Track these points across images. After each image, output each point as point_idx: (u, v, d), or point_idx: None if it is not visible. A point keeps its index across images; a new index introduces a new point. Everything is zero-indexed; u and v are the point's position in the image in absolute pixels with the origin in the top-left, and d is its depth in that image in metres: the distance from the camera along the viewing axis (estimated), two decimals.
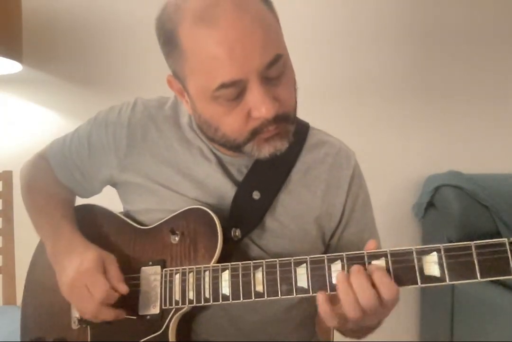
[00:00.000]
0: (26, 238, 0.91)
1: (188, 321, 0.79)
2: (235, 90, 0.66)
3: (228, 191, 0.81)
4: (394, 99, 2.02)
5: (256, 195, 0.80)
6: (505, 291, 1.57)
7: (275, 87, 0.69)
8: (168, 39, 0.70)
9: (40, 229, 0.89)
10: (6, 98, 1.75)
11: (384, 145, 2.01)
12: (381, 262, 0.63)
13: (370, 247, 0.65)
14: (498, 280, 1.60)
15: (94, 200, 0.96)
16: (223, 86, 0.66)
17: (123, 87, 1.79)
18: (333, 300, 0.65)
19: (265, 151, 0.73)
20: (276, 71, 0.68)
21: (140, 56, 1.77)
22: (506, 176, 1.97)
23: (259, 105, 0.66)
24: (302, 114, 0.94)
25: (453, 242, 0.61)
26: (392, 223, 1.99)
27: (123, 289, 0.76)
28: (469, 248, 0.59)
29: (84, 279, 0.75)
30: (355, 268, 0.63)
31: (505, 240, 0.58)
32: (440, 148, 2.05)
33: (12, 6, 1.50)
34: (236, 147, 0.74)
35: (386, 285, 0.61)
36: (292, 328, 0.87)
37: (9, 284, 1.40)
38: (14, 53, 1.50)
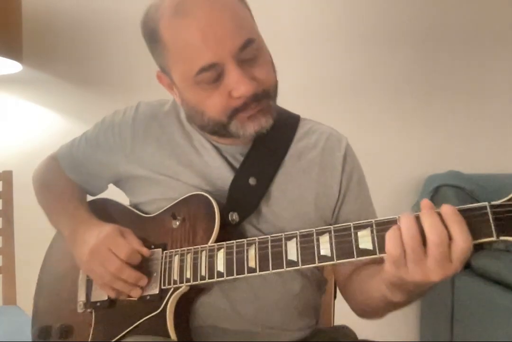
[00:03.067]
0: (26, 238, 0.92)
1: (187, 303, 0.81)
2: (214, 73, 0.73)
3: (227, 177, 0.85)
4: (394, 99, 2.02)
5: (252, 181, 0.84)
6: (505, 291, 1.57)
7: (251, 68, 0.75)
8: (152, 37, 0.78)
9: (56, 220, 0.94)
10: (6, 98, 1.75)
11: (384, 145, 2.01)
12: (366, 232, 0.64)
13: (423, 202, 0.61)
14: (498, 280, 1.60)
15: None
16: (203, 70, 0.72)
17: (123, 87, 1.79)
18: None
19: (250, 129, 0.77)
20: (250, 54, 0.74)
21: (140, 56, 1.77)
22: (506, 176, 1.97)
23: (237, 85, 0.72)
24: (302, 114, 0.94)
25: None
26: None
27: (145, 251, 0.81)
28: (484, 208, 0.59)
29: (106, 243, 0.79)
30: (428, 209, 0.59)
31: (485, 203, 0.59)
32: (440, 148, 2.05)
33: (12, 6, 1.50)
34: (223, 129, 0.79)
35: (459, 225, 0.57)
36: (294, 316, 0.87)
37: (9, 284, 1.39)
38: (14, 53, 1.50)
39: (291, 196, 0.85)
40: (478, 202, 1.91)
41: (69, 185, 0.99)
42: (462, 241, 0.57)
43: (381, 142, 2.00)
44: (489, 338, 1.57)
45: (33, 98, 1.77)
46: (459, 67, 2.06)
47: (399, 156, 2.02)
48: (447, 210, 0.58)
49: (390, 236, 0.60)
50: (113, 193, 0.99)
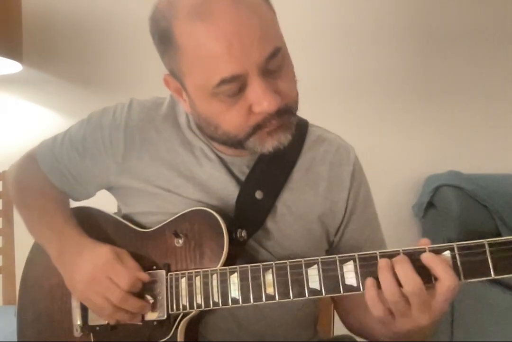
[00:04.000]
0: (26, 238, 0.91)
1: (194, 324, 0.78)
2: (236, 86, 0.65)
3: (231, 191, 0.80)
4: (394, 99, 2.02)
5: (259, 195, 0.79)
6: (505, 291, 1.57)
7: (275, 80, 0.67)
8: (163, 37, 0.68)
9: (40, 235, 0.85)
10: (6, 98, 1.75)
11: (384, 145, 2.01)
12: None
13: (423, 242, 0.63)
14: (498, 280, 1.60)
15: (86, 201, 0.93)
16: (224, 82, 0.64)
17: (123, 87, 1.79)
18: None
19: (268, 145, 0.71)
20: (275, 64, 0.66)
21: (140, 56, 1.77)
22: (506, 176, 1.97)
23: (260, 100, 0.65)
24: (302, 114, 0.94)
25: (453, 242, 0.61)
26: (392, 223, 1.98)
27: (145, 276, 0.75)
28: (482, 246, 0.59)
29: (105, 271, 0.73)
30: (400, 258, 0.60)
31: (483, 241, 0.58)
32: (440, 148, 2.05)
33: (12, 6, 1.51)
34: (237, 144, 0.73)
35: (441, 265, 0.58)
36: (297, 329, 0.87)
37: (9, 284, 1.39)
38: (14, 53, 1.50)
39: (297, 212, 0.81)
40: (478, 202, 1.90)
41: (53, 191, 0.88)
42: (447, 280, 0.57)
43: (381, 142, 2.00)
44: (489, 338, 1.57)
45: (33, 98, 1.77)
46: (460, 67, 2.06)
47: (399, 156, 2.02)
48: (426, 255, 0.59)
49: (370, 298, 0.61)
50: (99, 198, 0.91)
